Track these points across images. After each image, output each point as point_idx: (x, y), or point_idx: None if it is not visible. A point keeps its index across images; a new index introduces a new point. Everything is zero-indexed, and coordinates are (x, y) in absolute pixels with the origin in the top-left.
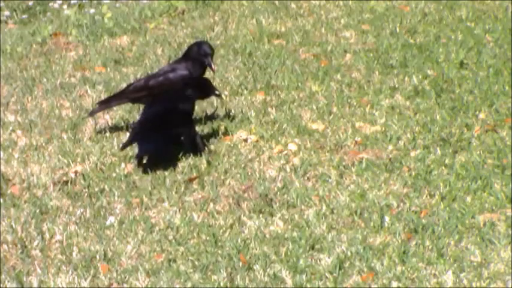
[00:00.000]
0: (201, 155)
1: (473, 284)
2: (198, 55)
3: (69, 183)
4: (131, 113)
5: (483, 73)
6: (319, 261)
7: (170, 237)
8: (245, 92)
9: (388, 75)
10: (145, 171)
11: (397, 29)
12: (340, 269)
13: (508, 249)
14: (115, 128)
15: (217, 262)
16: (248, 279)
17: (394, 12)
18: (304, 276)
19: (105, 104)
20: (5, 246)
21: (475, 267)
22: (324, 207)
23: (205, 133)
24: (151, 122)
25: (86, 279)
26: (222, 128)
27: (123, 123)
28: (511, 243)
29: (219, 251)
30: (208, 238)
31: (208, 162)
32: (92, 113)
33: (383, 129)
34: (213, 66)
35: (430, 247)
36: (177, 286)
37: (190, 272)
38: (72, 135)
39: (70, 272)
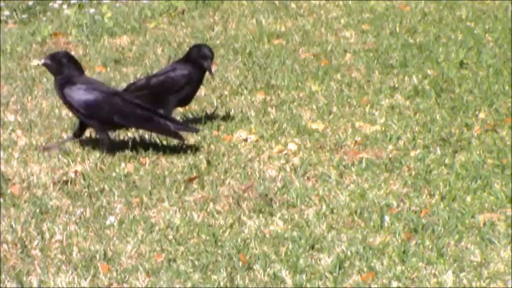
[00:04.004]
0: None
1: (473, 284)
2: (198, 57)
3: (69, 183)
4: None
5: (483, 73)
6: (319, 261)
7: (170, 237)
8: (245, 92)
9: (388, 75)
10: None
11: (397, 29)
12: (340, 268)
13: (508, 249)
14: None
15: (217, 262)
16: (248, 279)
17: (394, 12)
18: (304, 276)
19: None
20: (5, 246)
21: (475, 267)
22: (324, 207)
23: (206, 133)
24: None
25: (86, 279)
26: (222, 128)
27: None
28: (511, 243)
29: (219, 251)
30: (208, 238)
31: (208, 162)
32: None
33: (383, 129)
34: (212, 70)
35: (430, 247)
36: (177, 286)
37: (190, 271)
38: (72, 135)
39: (70, 272)
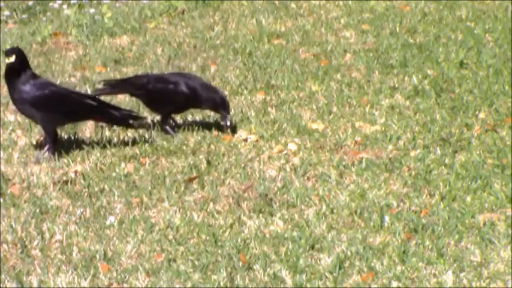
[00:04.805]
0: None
1: (473, 284)
2: (218, 100)
3: (69, 183)
4: None
5: (483, 73)
6: (319, 261)
7: (170, 237)
8: (245, 91)
9: (388, 75)
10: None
11: (397, 29)
12: (340, 268)
13: (508, 249)
14: (115, 128)
15: (217, 262)
16: (248, 279)
17: (394, 12)
18: (304, 276)
19: (110, 87)
20: (5, 246)
21: (475, 267)
22: (324, 207)
23: (206, 133)
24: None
25: (86, 279)
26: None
27: None
28: (511, 243)
29: (219, 251)
30: (208, 238)
31: (208, 162)
32: (96, 91)
33: (383, 129)
34: (228, 123)
35: (430, 247)
36: (177, 286)
37: (190, 271)
38: (72, 135)
39: (70, 272)
